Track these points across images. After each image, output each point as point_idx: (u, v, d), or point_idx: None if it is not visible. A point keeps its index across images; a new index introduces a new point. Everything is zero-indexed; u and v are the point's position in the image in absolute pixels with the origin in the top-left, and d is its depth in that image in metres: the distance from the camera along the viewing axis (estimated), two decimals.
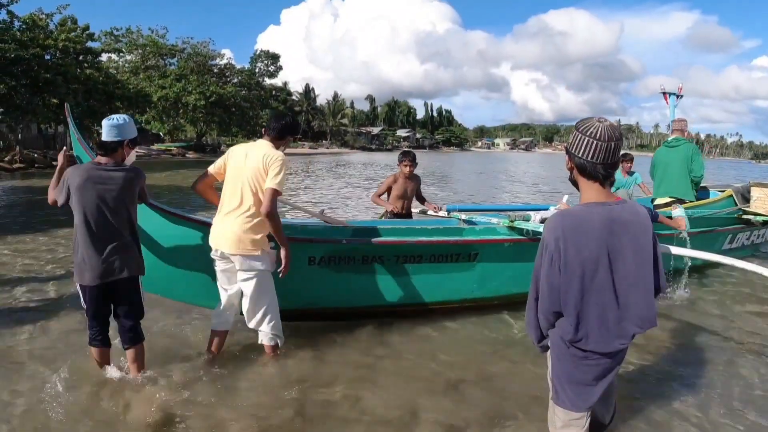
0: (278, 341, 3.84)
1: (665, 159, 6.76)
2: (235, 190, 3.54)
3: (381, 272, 4.45)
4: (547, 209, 5.26)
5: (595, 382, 2.23)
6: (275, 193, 3.42)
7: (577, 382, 2.24)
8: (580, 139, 2.14)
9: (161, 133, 55.69)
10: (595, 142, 2.10)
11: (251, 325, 3.76)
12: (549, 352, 2.33)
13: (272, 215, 3.42)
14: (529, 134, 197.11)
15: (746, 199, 7.05)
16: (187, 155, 45.90)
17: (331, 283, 4.35)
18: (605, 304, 2.13)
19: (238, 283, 3.68)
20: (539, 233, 4.64)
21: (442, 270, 4.63)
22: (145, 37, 52.16)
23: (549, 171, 38.52)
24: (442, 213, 5.83)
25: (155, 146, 47.78)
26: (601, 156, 2.10)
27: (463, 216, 5.60)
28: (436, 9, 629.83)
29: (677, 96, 7.80)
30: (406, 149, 6.36)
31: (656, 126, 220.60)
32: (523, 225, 4.69)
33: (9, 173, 23.64)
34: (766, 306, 5.47)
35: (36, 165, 26.87)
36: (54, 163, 28.48)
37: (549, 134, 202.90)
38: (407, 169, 5.80)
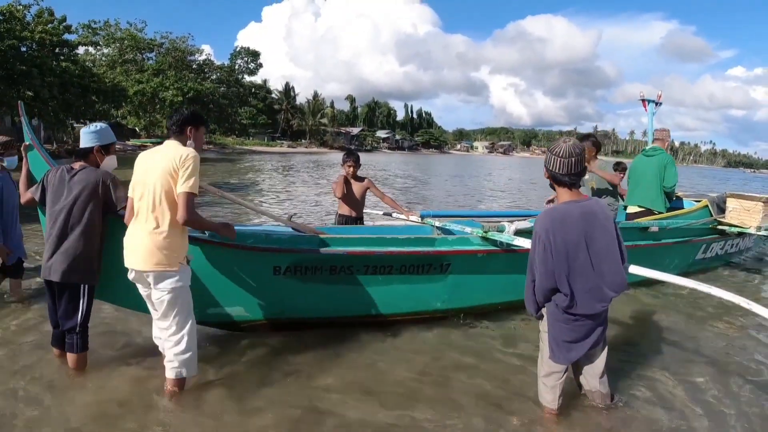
0: (185, 374, 3.28)
1: (641, 167, 6.73)
2: (145, 200, 3.10)
3: (350, 283, 4.30)
4: (522, 216, 5.17)
5: (583, 339, 2.99)
6: (190, 197, 3.04)
7: (568, 341, 2.99)
8: (550, 157, 2.95)
9: (137, 129, 54.70)
10: (559, 159, 2.90)
11: (163, 349, 3.29)
12: (544, 320, 3.08)
13: (192, 221, 3.09)
14: (508, 138, 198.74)
15: (722, 210, 7.07)
16: None
17: (297, 293, 4.19)
18: (587, 277, 2.86)
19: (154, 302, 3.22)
20: (513, 245, 4.55)
21: (413, 281, 4.50)
22: (123, 30, 51.36)
23: (526, 175, 38.78)
24: (415, 218, 5.71)
25: (130, 141, 46.85)
26: (564, 168, 2.89)
27: (437, 223, 5.48)
28: (418, 11, 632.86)
29: (656, 103, 7.81)
30: (350, 149, 6.22)
31: (632, 132, 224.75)
32: (497, 236, 4.59)
33: None
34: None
35: None
36: None
37: (527, 138, 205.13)
38: (350, 170, 5.68)
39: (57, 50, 29.36)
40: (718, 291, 3.35)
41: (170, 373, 3.24)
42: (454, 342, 4.42)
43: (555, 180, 2.95)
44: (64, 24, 29.17)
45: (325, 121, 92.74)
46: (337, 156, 59.24)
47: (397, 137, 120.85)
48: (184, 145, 3.22)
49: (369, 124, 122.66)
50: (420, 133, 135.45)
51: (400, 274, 4.42)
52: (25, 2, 26.73)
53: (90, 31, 44.42)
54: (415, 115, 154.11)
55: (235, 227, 4.09)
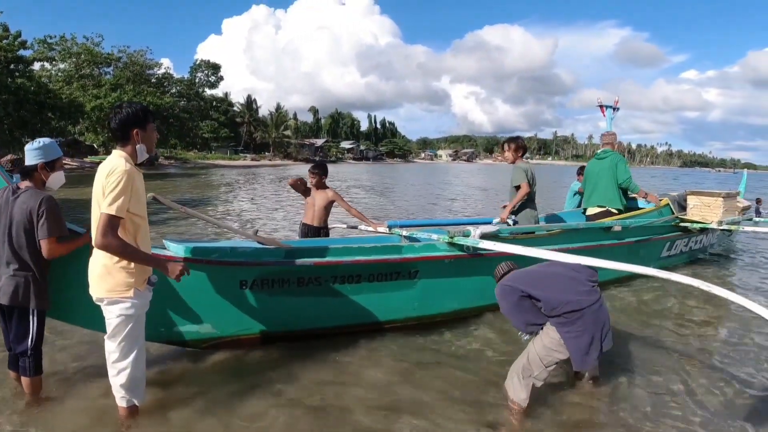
0: (135, 402, 3.09)
1: (595, 170, 6.94)
2: (93, 220, 2.84)
3: (318, 294, 4.26)
4: (488, 223, 5.22)
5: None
6: (110, 220, 2.69)
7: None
8: None
9: (95, 145, 53.30)
10: None
11: (110, 375, 3.05)
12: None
13: (106, 246, 2.71)
14: (471, 145, 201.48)
15: (683, 207, 7.29)
16: None
17: (265, 307, 4.13)
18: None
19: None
20: (479, 249, 4.59)
21: (382, 289, 4.49)
22: (80, 45, 50.14)
23: (490, 182, 39.29)
24: (383, 229, 5.71)
25: (88, 159, 45.51)
26: None
27: (405, 232, 5.49)
28: (378, 22, 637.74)
29: (614, 109, 8.03)
30: (318, 161, 6.32)
31: (590, 137, 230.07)
32: (463, 241, 4.62)
33: None
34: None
35: None
36: None
37: (489, 145, 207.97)
38: (314, 179, 5.82)
39: (12, 66, 28.48)
40: (687, 279, 3.39)
41: (120, 402, 3.07)
42: (424, 348, 4.42)
43: None
44: (20, 40, 28.36)
45: (288, 133, 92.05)
46: (302, 168, 58.97)
47: (362, 147, 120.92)
48: (132, 152, 2.93)
49: (333, 135, 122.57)
50: (384, 143, 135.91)
51: (369, 283, 4.41)
52: None
53: (46, 46, 43.17)
54: (378, 126, 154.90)
55: (199, 243, 4.02)
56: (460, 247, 4.69)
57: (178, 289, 3.77)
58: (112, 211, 2.70)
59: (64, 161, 3.44)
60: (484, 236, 4.69)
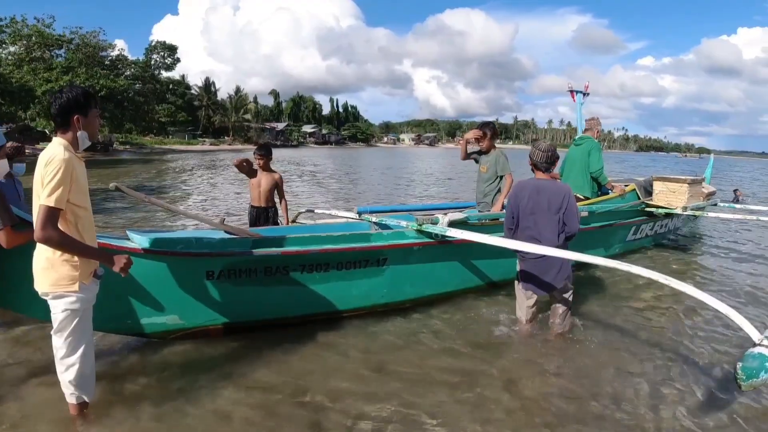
0: (85, 398, 3.00)
1: (572, 156, 6.98)
2: (34, 211, 2.68)
3: (286, 283, 4.23)
4: (457, 208, 5.24)
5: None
6: (48, 212, 2.57)
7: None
8: (534, 151, 4.38)
9: (47, 131, 51.14)
10: (540, 152, 4.34)
11: (58, 371, 2.95)
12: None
13: (47, 239, 2.58)
14: (433, 130, 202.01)
15: (649, 193, 7.48)
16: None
17: (233, 297, 4.07)
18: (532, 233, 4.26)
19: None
20: (447, 236, 4.63)
21: (351, 277, 4.48)
22: (31, 26, 47.63)
23: (453, 165, 39.60)
24: (352, 215, 5.68)
25: (40, 145, 43.59)
26: (543, 158, 4.33)
27: (374, 218, 5.48)
28: (339, 4, 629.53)
29: (584, 94, 8.11)
30: (263, 143, 6.42)
31: (549, 122, 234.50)
32: (431, 228, 4.65)
33: None
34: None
35: None
36: None
37: (451, 130, 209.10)
38: (260, 161, 5.98)
39: None
40: (639, 269, 3.53)
41: (69, 398, 2.98)
42: (395, 334, 4.45)
43: (535, 166, 4.39)
44: None
45: (248, 117, 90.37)
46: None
47: (324, 131, 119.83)
48: (73, 139, 2.79)
49: (294, 119, 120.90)
50: (347, 127, 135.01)
51: (337, 271, 4.40)
52: None
53: None
54: (341, 109, 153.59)
55: (162, 234, 3.92)
56: (429, 235, 4.72)
57: (144, 280, 3.69)
58: (51, 202, 2.58)
59: (9, 149, 3.23)
60: (452, 224, 4.73)
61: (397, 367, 3.86)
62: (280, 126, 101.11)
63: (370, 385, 3.61)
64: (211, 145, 70.18)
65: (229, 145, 75.61)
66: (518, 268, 4.53)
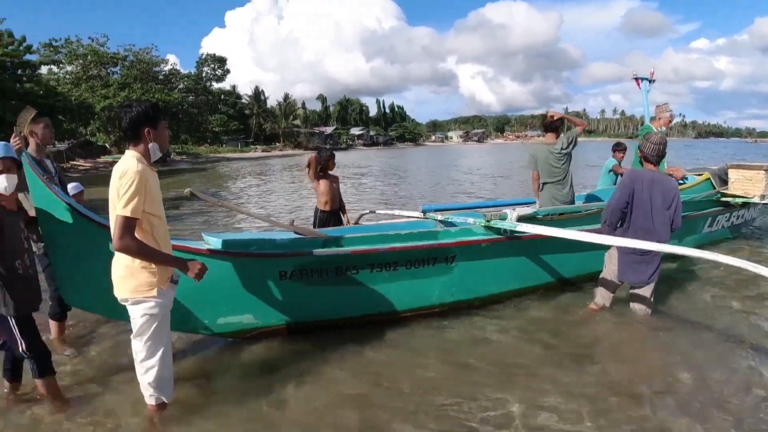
0: (164, 399, 3.09)
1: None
2: (111, 222, 2.82)
3: (356, 282, 4.24)
4: (524, 204, 5.13)
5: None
6: (125, 222, 2.68)
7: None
8: (645, 143, 4.42)
9: (107, 145, 53.61)
10: (652, 145, 4.37)
11: (138, 374, 3.05)
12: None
13: (125, 248, 2.70)
14: (481, 126, 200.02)
15: (724, 182, 7.09)
16: None
17: (304, 296, 4.11)
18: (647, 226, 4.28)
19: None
20: (516, 232, 4.52)
21: (419, 275, 4.45)
22: (86, 46, 50.12)
23: (506, 161, 38.99)
24: (417, 214, 5.64)
25: (102, 159, 45.82)
26: (655, 151, 4.37)
27: (439, 216, 5.42)
28: (381, 6, 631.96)
29: (649, 81, 7.78)
30: (325, 147, 6.34)
31: (602, 111, 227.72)
32: (500, 224, 4.55)
33: None
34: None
35: None
36: None
37: (500, 125, 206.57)
38: (333, 164, 5.91)
39: (19, 72, 28.53)
40: (726, 258, 3.34)
41: (148, 400, 3.07)
42: (464, 331, 4.38)
43: (646, 159, 4.43)
44: (25, 44, 28.34)
45: (297, 122, 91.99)
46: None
47: (372, 133, 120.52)
48: (145, 151, 2.89)
49: (342, 122, 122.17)
50: (394, 127, 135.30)
51: (406, 270, 4.37)
52: None
53: (51, 49, 43.23)
54: (387, 110, 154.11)
55: (235, 235, 4.00)
56: (498, 231, 4.62)
57: (219, 280, 3.76)
58: (127, 212, 2.68)
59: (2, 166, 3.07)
60: (521, 219, 4.62)
61: (479, 363, 3.79)
62: (329, 130, 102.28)
63: (456, 379, 3.56)
64: (262, 151, 71.68)
65: (280, 150, 77.06)
66: (613, 258, 4.57)
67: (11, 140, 3.33)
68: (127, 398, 3.34)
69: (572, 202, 5.61)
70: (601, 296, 4.70)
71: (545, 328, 4.41)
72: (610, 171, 8.15)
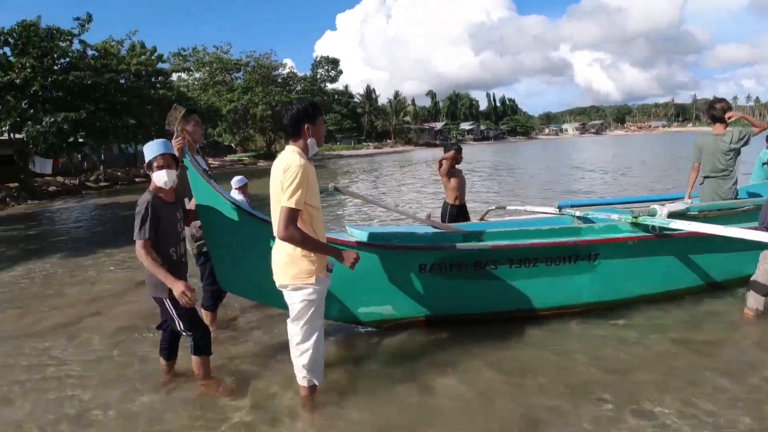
0: (315, 382, 3.23)
1: None
2: (273, 213, 3.02)
3: (494, 278, 4.19)
4: (671, 199, 4.79)
5: None
6: (290, 213, 2.84)
7: None
8: None
9: (233, 145, 57.60)
10: None
11: (292, 356, 3.21)
12: None
13: (290, 238, 2.86)
14: (599, 117, 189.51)
15: None
16: (258, 163, 47.16)
17: (442, 290, 4.14)
18: None
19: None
20: (668, 229, 4.22)
21: (559, 273, 4.30)
22: (211, 54, 54.15)
23: (632, 155, 36.69)
24: (550, 209, 5.46)
25: (228, 157, 49.45)
26: None
27: (577, 213, 5.21)
28: None
29: None
30: (451, 143, 6.43)
31: (735, 98, 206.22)
32: (649, 221, 4.28)
33: (95, 191, 25.23)
34: None
35: (119, 182, 28.81)
36: (137, 179, 29.29)
37: (620, 115, 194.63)
38: (461, 159, 6.14)
39: (153, 79, 31.26)
40: None
41: (301, 381, 3.22)
42: (612, 334, 4.16)
43: None
44: (157, 54, 31.00)
45: (408, 119, 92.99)
46: (424, 152, 59.31)
47: (482, 127, 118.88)
48: (304, 146, 3.04)
49: (452, 117, 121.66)
50: (505, 121, 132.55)
51: (545, 267, 4.25)
52: (118, 38, 28.65)
53: (180, 58, 47.10)
54: (498, 104, 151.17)
55: (378, 229, 4.10)
56: (645, 228, 4.35)
57: (362, 272, 3.86)
58: (292, 204, 2.83)
59: (159, 163, 3.27)
60: (673, 215, 4.31)
61: (631, 366, 3.59)
62: (439, 125, 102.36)
63: (607, 380, 3.40)
64: (374, 148, 73.34)
65: (391, 147, 78.36)
66: None
67: (173, 140, 3.60)
68: (278, 380, 3.56)
69: (734, 198, 5.17)
70: (755, 299, 4.28)
71: (697, 333, 4.10)
72: (765, 164, 7.38)
